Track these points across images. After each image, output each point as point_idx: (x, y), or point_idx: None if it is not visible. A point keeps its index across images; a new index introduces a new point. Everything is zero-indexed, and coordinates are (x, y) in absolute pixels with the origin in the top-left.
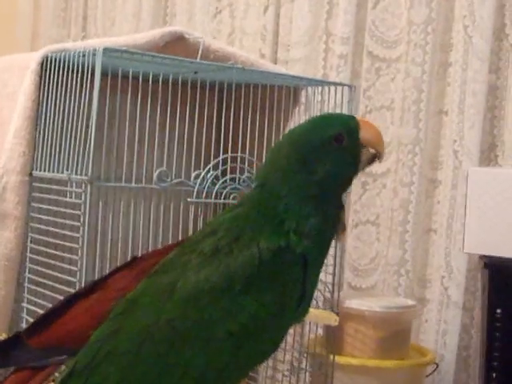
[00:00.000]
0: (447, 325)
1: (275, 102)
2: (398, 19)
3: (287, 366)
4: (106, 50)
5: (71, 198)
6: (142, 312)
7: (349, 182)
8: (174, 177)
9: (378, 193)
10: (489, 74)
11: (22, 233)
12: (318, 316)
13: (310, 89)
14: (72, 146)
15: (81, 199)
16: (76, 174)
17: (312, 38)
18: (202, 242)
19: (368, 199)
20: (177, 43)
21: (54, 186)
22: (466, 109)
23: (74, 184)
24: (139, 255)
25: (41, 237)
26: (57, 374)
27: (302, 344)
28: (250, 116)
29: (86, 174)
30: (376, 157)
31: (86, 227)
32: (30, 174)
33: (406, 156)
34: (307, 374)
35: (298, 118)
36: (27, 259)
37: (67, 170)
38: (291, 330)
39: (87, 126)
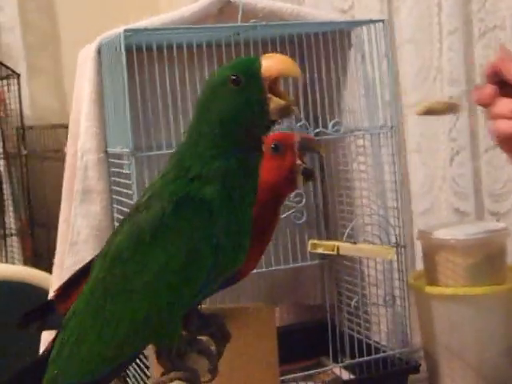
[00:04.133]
0: None
1: (323, 50)
2: None
3: (381, 301)
4: (126, 31)
5: (124, 169)
6: (92, 274)
7: (257, 127)
8: None
9: None
10: None
11: (107, 205)
12: (372, 251)
13: (359, 28)
14: (118, 122)
15: (129, 170)
16: (123, 147)
17: None
18: (133, 206)
19: None
20: (230, 7)
21: (118, 161)
22: None
23: (125, 157)
24: None
25: (123, 208)
26: None
27: (396, 277)
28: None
29: (127, 147)
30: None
31: (136, 195)
32: (106, 152)
33: None
34: (403, 305)
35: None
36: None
37: (119, 145)
38: (381, 266)
39: (124, 101)
